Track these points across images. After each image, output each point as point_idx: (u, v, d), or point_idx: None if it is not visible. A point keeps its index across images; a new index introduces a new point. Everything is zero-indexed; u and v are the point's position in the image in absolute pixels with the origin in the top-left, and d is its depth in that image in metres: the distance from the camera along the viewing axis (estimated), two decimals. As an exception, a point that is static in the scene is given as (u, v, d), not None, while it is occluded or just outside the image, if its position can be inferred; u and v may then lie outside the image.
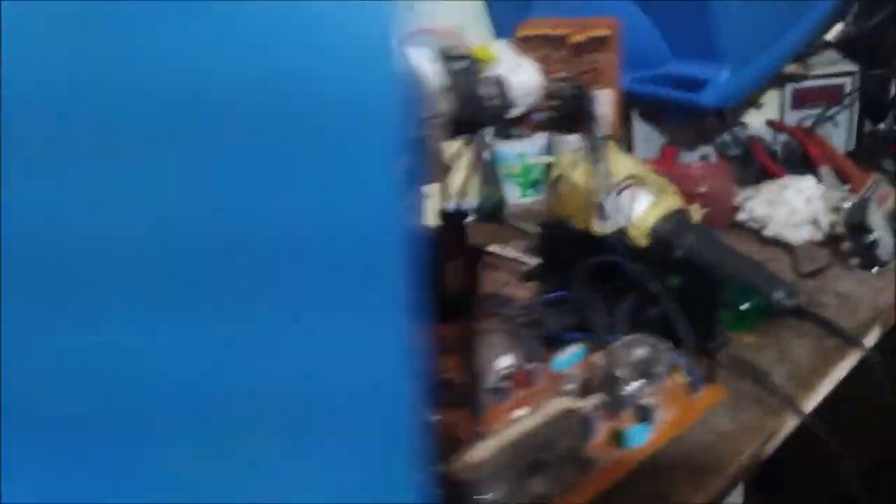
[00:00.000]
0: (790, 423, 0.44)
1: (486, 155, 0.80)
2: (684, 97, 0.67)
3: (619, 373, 0.39)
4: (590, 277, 0.43)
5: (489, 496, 0.30)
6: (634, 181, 0.60)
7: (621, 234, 0.45)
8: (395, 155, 0.15)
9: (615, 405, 0.38)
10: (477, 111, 0.37)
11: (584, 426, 0.35)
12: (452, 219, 0.50)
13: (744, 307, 0.51)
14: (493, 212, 0.74)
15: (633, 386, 0.40)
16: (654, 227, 0.58)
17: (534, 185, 0.76)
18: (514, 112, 0.40)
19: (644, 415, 0.39)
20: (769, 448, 0.43)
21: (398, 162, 0.15)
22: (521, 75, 0.39)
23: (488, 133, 0.78)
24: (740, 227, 0.67)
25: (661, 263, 0.44)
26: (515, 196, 0.76)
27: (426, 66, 0.33)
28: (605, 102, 0.39)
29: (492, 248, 0.63)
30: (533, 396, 0.41)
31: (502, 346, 0.43)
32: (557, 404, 0.33)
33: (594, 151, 0.41)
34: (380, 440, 0.16)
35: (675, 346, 0.43)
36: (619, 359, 0.40)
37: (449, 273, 0.48)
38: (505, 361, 0.43)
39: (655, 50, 0.69)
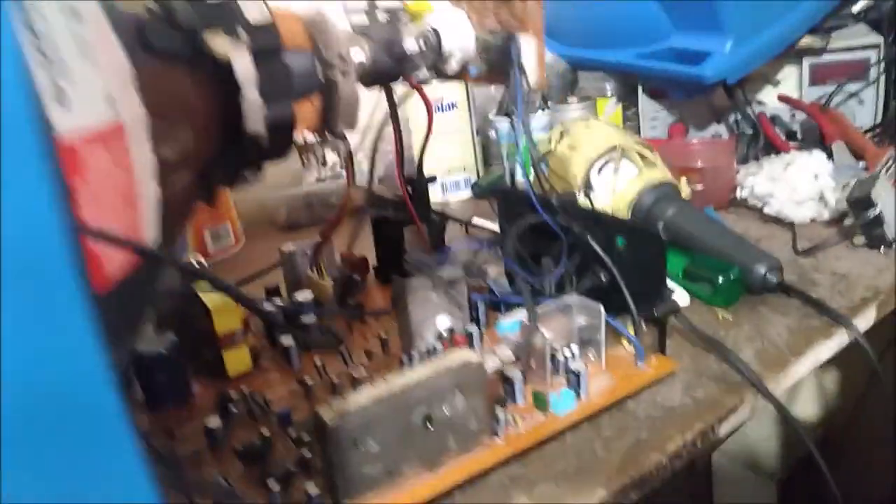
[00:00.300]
0: (751, 403, 0.39)
1: (491, 133, 0.77)
2: (685, 70, 0.62)
3: (550, 336, 0.36)
4: (526, 239, 0.40)
5: (363, 447, 0.28)
6: (618, 152, 0.55)
7: (565, 196, 0.41)
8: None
9: (539, 368, 0.35)
10: (400, 62, 0.34)
11: (487, 382, 0.31)
12: (417, 184, 0.47)
13: (720, 281, 0.46)
14: (490, 189, 0.71)
15: (567, 351, 0.36)
16: (635, 199, 0.53)
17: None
18: (451, 66, 0.37)
19: (573, 380, 0.35)
20: (724, 428, 0.38)
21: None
22: (454, 27, 0.35)
23: (491, 111, 0.75)
24: (742, 205, 0.61)
25: (607, 225, 0.39)
26: (518, 174, 0.73)
27: (336, 13, 0.31)
28: (528, 52, 0.36)
29: (475, 220, 0.60)
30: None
31: (442, 306, 0.40)
32: (455, 356, 0.30)
33: (519, 103, 0.37)
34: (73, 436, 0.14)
35: (621, 311, 0.38)
36: (552, 322, 0.36)
37: (409, 236, 0.46)
38: (443, 323, 0.40)
39: (658, 23, 0.64)
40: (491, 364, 0.32)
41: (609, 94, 0.74)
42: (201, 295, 0.37)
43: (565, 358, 0.36)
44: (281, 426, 0.34)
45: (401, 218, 0.46)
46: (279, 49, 0.29)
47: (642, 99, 0.72)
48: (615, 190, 0.54)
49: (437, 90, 0.68)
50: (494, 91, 0.73)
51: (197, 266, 0.36)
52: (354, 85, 0.32)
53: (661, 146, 0.60)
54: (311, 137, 0.36)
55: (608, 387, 0.36)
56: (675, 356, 0.41)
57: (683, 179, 0.55)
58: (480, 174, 0.75)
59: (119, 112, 0.23)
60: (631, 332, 0.38)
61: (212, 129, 0.28)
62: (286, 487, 0.30)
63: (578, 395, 0.35)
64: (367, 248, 0.52)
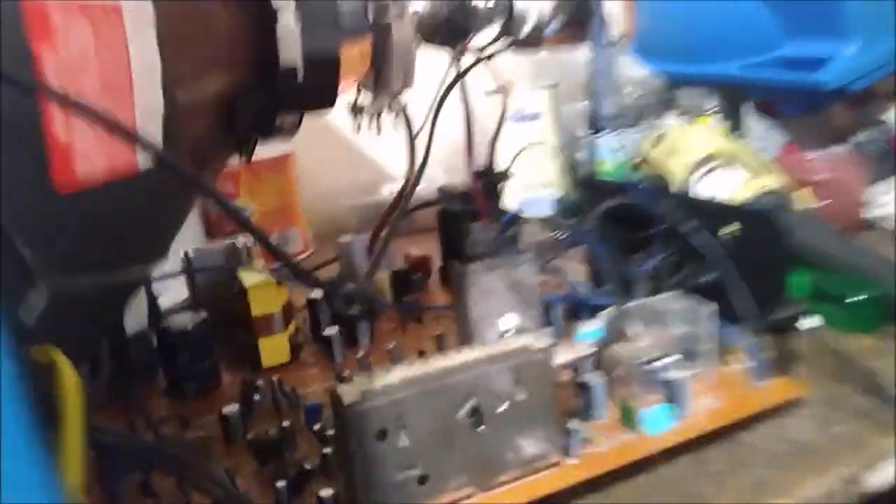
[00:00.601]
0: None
1: (580, 155, 0.70)
2: (802, 78, 0.53)
3: (642, 343, 0.28)
4: (612, 230, 0.32)
5: (392, 442, 0.21)
6: (723, 160, 0.47)
7: (656, 180, 0.33)
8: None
9: (627, 377, 0.27)
10: (464, 15, 0.29)
11: (554, 379, 0.24)
12: (486, 178, 0.41)
13: (858, 300, 0.36)
14: (573, 207, 0.63)
15: (663, 361, 0.28)
16: (744, 209, 0.44)
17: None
18: (525, 29, 0.31)
19: (671, 394, 0.27)
20: (875, 479, 0.28)
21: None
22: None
23: (578, 127, 0.68)
24: (872, 226, 0.50)
25: (711, 213, 0.31)
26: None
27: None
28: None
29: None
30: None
31: (508, 303, 0.33)
32: (512, 340, 0.23)
33: (601, 57, 0.31)
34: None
35: (733, 319, 0.30)
36: (645, 325, 0.28)
37: (476, 230, 0.39)
38: (508, 322, 0.33)
39: (768, 30, 0.56)
40: (562, 358, 0.25)
41: (711, 111, 0.66)
42: (239, 272, 0.32)
43: (661, 367, 0.27)
44: (308, 422, 0.28)
45: (469, 213, 0.40)
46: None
47: (749, 117, 0.63)
48: (721, 196, 0.46)
49: (519, 99, 0.62)
50: (582, 107, 0.67)
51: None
52: (410, 33, 0.27)
53: (772, 158, 0.51)
54: (364, 100, 0.31)
55: (715, 408, 0.28)
56: (802, 381, 0.31)
57: (804, 190, 0.46)
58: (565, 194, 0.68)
59: (114, -4, 0.19)
60: (747, 343, 0.29)
61: (240, 56, 0.24)
62: (299, 489, 0.23)
63: (677, 412, 0.27)
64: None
